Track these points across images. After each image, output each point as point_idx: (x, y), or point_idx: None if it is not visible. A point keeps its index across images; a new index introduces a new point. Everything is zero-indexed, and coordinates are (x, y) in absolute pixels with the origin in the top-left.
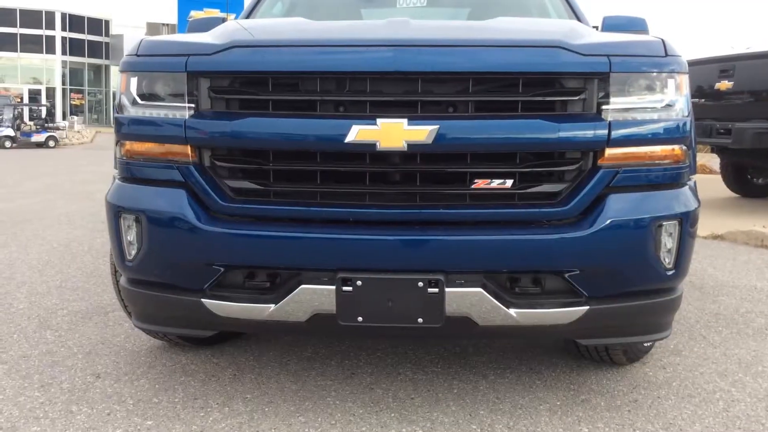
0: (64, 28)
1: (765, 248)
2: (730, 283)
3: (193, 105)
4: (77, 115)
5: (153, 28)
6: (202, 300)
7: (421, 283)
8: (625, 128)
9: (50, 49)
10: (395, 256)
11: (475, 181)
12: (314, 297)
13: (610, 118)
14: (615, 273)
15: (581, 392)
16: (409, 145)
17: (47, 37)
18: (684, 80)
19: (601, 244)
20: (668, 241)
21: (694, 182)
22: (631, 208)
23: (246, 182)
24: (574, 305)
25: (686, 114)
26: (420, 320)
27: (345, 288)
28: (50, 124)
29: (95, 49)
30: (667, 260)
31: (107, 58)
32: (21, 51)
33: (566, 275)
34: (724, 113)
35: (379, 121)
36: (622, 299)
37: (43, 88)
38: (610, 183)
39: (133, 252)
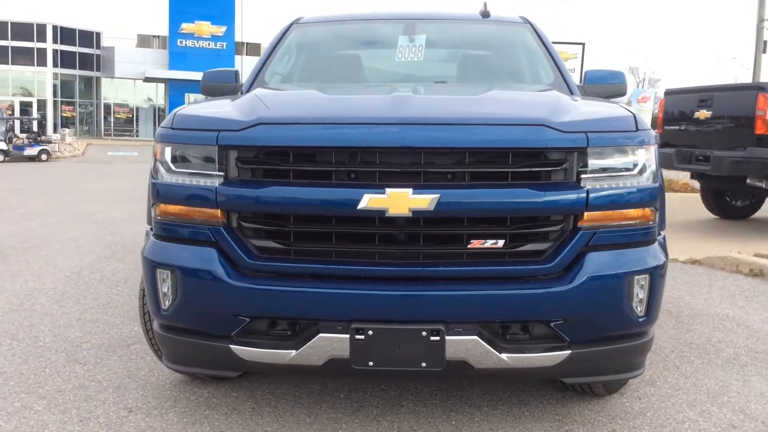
0: (55, 41)
1: (739, 273)
2: (705, 311)
3: (222, 173)
4: (68, 127)
5: (144, 40)
6: (230, 346)
7: (424, 333)
8: (601, 194)
9: (41, 62)
10: (402, 309)
11: (471, 241)
12: (330, 344)
13: (588, 186)
14: (594, 321)
15: (565, 423)
16: (414, 212)
17: (38, 49)
18: (653, 150)
19: (581, 296)
20: (640, 292)
21: (663, 237)
22: (608, 264)
23: (269, 242)
24: (558, 350)
25: (655, 180)
26: (423, 365)
27: (358, 336)
28: (42, 137)
29: (86, 61)
30: (639, 309)
31: (98, 70)
32: (12, 63)
33: (551, 324)
34: (703, 141)
35: (387, 190)
36: (600, 344)
37: (34, 101)
38: (588, 242)
39: (168, 303)
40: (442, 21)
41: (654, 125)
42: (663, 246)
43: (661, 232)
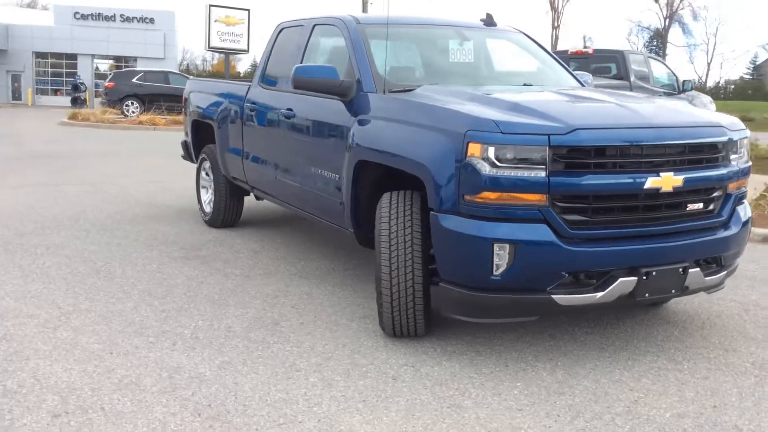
0: None
1: None
2: None
3: (545, 167)
4: None
5: None
6: (552, 296)
7: (680, 270)
8: (739, 169)
9: None
10: (670, 254)
11: (689, 206)
12: (625, 285)
13: (735, 165)
14: (737, 253)
15: (632, 340)
16: (674, 188)
17: None
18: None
19: (738, 236)
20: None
21: None
22: (744, 214)
23: (575, 215)
24: (721, 272)
25: (747, 161)
26: (673, 291)
27: (644, 277)
28: None
29: None
30: (747, 243)
31: None
32: None
33: (722, 255)
34: None
35: (661, 174)
36: (729, 267)
37: None
38: (735, 200)
39: (501, 269)
40: (467, 29)
41: None
42: None
43: None
